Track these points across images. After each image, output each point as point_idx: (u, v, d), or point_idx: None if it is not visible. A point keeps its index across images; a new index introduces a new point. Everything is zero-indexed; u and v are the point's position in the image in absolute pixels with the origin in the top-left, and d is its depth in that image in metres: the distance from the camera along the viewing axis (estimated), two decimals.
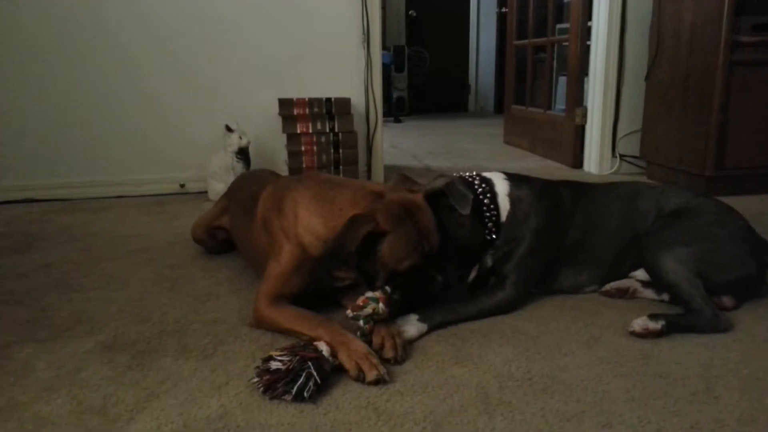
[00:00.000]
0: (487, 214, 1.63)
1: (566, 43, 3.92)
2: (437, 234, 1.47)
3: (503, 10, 6.28)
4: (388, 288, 1.43)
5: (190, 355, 1.39)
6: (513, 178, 1.73)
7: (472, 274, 1.67)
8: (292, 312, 1.46)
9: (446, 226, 1.54)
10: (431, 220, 1.46)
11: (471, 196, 1.56)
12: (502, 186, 1.68)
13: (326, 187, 1.54)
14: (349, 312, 1.39)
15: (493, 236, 1.64)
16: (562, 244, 1.71)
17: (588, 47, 3.64)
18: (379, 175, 3.45)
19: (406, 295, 1.46)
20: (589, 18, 3.60)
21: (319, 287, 1.56)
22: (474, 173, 1.71)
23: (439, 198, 1.56)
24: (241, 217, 1.83)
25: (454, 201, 1.54)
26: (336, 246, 1.37)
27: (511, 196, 1.67)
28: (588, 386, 1.25)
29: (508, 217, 1.66)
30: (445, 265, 1.53)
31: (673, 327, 1.47)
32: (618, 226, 1.74)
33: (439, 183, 1.60)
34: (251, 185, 1.87)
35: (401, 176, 1.61)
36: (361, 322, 1.37)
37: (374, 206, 1.41)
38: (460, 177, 1.68)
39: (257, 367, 1.25)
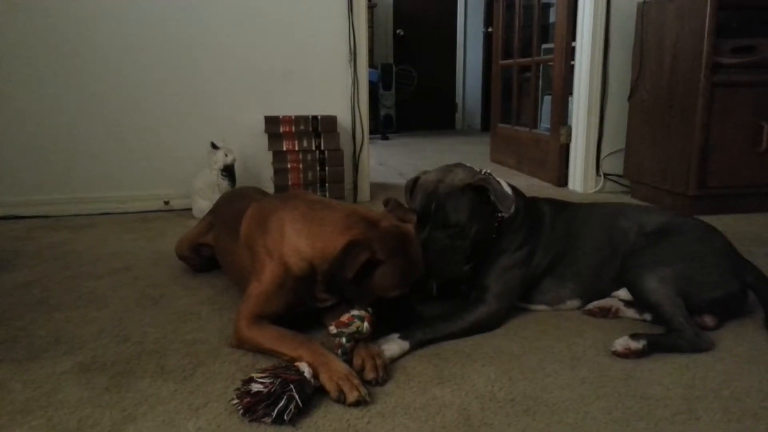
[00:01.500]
0: (498, 214, 1.66)
1: (551, 63, 3.96)
2: (423, 267, 1.50)
3: (489, 30, 6.36)
4: (369, 308, 1.42)
5: (168, 377, 1.38)
6: (513, 189, 1.76)
7: (467, 266, 1.67)
8: (273, 332, 1.44)
9: (475, 220, 1.59)
10: (420, 253, 1.49)
11: (511, 197, 1.63)
12: (509, 192, 1.72)
13: (315, 207, 1.53)
14: (332, 328, 1.38)
15: (494, 235, 1.67)
16: (543, 259, 1.73)
17: (572, 67, 3.68)
18: (365, 192, 3.45)
19: (383, 318, 1.47)
20: (574, 38, 3.64)
21: (300, 307, 1.55)
22: (488, 171, 1.71)
23: (473, 190, 1.60)
24: (225, 235, 1.82)
25: (497, 199, 1.57)
26: (333, 271, 1.37)
27: (515, 204, 1.70)
28: (570, 407, 1.25)
29: (506, 221, 1.69)
30: (459, 256, 1.59)
31: (654, 347, 1.48)
32: (598, 242, 1.76)
33: (464, 175, 1.63)
34: (236, 203, 1.86)
35: (394, 202, 1.61)
36: (343, 340, 1.36)
37: (370, 234, 1.41)
38: (486, 176, 1.68)
39: (237, 389, 1.24)
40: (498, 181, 1.69)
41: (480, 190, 1.60)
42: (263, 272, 1.50)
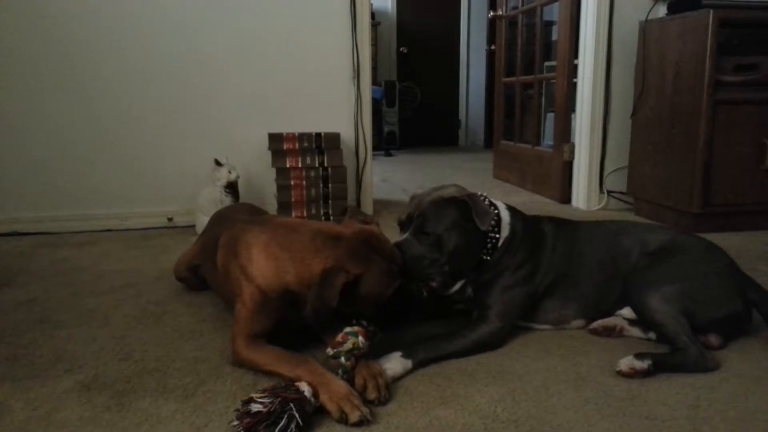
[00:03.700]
0: (490, 235, 1.66)
1: (553, 81, 3.98)
2: (397, 250, 1.53)
3: (492, 47, 6.39)
4: (364, 322, 1.43)
5: (170, 396, 1.37)
6: (511, 209, 1.77)
7: (456, 287, 1.68)
8: (271, 353, 1.44)
9: (454, 233, 1.59)
10: (390, 243, 1.52)
11: (492, 214, 1.63)
12: (505, 214, 1.74)
13: (280, 233, 1.53)
14: (329, 350, 1.37)
15: (488, 258, 1.67)
16: (545, 278, 1.72)
17: (575, 85, 3.69)
18: (368, 209, 3.45)
19: (399, 314, 1.52)
20: (576, 56, 3.66)
21: (291, 323, 1.55)
22: (484, 194, 1.73)
23: (458, 205, 1.60)
24: (208, 260, 1.83)
25: (476, 214, 1.58)
26: (318, 306, 1.37)
27: (511, 226, 1.72)
28: (574, 428, 1.23)
29: (503, 244, 1.69)
30: (435, 269, 1.59)
31: (659, 366, 1.46)
32: (601, 261, 1.75)
33: (453, 190, 1.66)
34: (216, 227, 1.87)
35: (351, 209, 1.66)
36: (342, 359, 1.36)
37: (339, 253, 1.42)
38: (474, 193, 1.70)
39: (237, 409, 1.22)
40: (493, 203, 1.72)
41: (464, 205, 1.60)
42: (243, 294, 1.52)
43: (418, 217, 1.61)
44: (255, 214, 1.93)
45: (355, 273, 1.39)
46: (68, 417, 1.28)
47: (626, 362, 1.47)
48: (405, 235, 1.61)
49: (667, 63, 3.07)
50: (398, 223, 1.68)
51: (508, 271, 1.67)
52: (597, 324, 1.73)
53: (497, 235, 1.68)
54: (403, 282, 1.51)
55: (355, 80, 3.31)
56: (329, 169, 3.10)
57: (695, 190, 2.90)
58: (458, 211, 1.61)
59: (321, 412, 1.26)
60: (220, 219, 1.98)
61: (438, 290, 1.64)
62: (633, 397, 1.36)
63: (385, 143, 7.18)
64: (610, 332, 1.71)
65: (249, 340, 1.48)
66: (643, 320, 1.63)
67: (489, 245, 1.67)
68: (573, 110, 3.73)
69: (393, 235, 1.63)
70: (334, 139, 3.12)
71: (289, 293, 1.47)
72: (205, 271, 1.94)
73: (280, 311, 1.51)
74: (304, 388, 1.25)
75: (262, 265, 1.50)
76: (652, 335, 1.67)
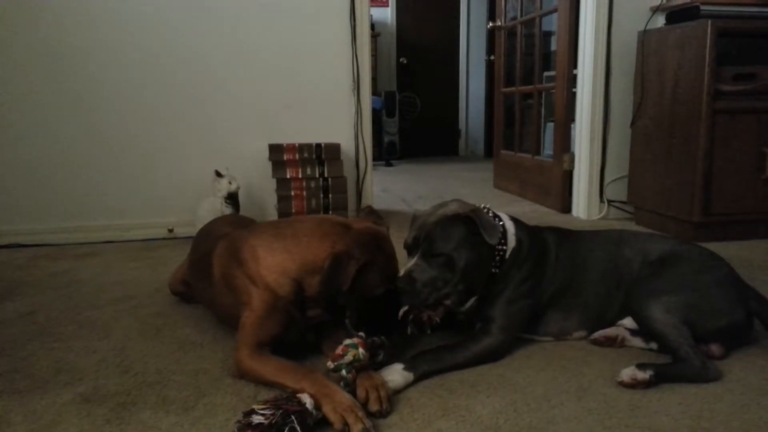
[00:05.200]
0: (498, 247, 1.65)
1: (553, 91, 3.99)
2: (397, 261, 1.57)
3: (491, 57, 6.42)
4: (362, 334, 1.44)
5: (170, 408, 1.36)
6: (515, 220, 1.76)
7: (469, 304, 1.66)
8: (275, 364, 1.44)
9: (463, 250, 1.57)
10: (393, 248, 1.56)
11: (499, 227, 1.62)
12: (509, 225, 1.72)
13: (283, 225, 1.58)
14: (330, 363, 1.37)
15: (496, 270, 1.66)
16: (548, 290, 1.71)
17: (574, 94, 3.70)
18: None
19: (375, 322, 1.52)
20: (575, 66, 3.67)
21: (295, 328, 1.55)
22: (487, 206, 1.73)
23: (463, 221, 1.59)
24: (199, 280, 1.80)
25: (482, 228, 1.56)
26: (328, 287, 1.41)
27: (517, 236, 1.71)
28: None
29: (511, 255, 1.68)
30: (449, 289, 1.58)
31: (661, 377, 1.46)
32: (603, 272, 1.74)
33: (456, 207, 1.64)
34: (202, 245, 1.85)
35: (368, 209, 1.69)
36: (343, 371, 1.36)
37: (347, 240, 1.47)
38: (477, 207, 1.68)
39: (238, 421, 1.22)
40: (496, 215, 1.71)
41: (470, 221, 1.58)
42: (251, 300, 1.52)
43: (425, 239, 1.57)
44: (239, 225, 1.88)
45: (362, 261, 1.43)
46: (68, 430, 1.27)
47: (628, 373, 1.46)
48: (414, 260, 1.57)
49: (666, 73, 3.08)
50: (404, 247, 1.64)
51: (512, 284, 1.66)
52: (598, 334, 1.72)
53: (504, 247, 1.67)
54: (392, 290, 1.52)
55: (355, 91, 3.32)
56: (329, 179, 3.10)
57: (695, 199, 2.90)
58: (465, 228, 1.58)
59: (323, 424, 1.26)
60: (205, 234, 1.94)
61: (453, 308, 1.63)
62: (635, 408, 1.35)
63: (385, 153, 7.19)
64: (611, 342, 1.70)
65: (254, 349, 1.47)
66: (644, 330, 1.63)
67: (497, 257, 1.66)
68: (573, 120, 3.74)
69: (395, 243, 1.62)
70: (334, 150, 3.13)
71: (297, 286, 1.49)
72: (195, 289, 1.91)
73: (288, 315, 1.52)
74: (306, 399, 1.25)
75: (270, 262, 1.51)
76: (653, 345, 1.66)
